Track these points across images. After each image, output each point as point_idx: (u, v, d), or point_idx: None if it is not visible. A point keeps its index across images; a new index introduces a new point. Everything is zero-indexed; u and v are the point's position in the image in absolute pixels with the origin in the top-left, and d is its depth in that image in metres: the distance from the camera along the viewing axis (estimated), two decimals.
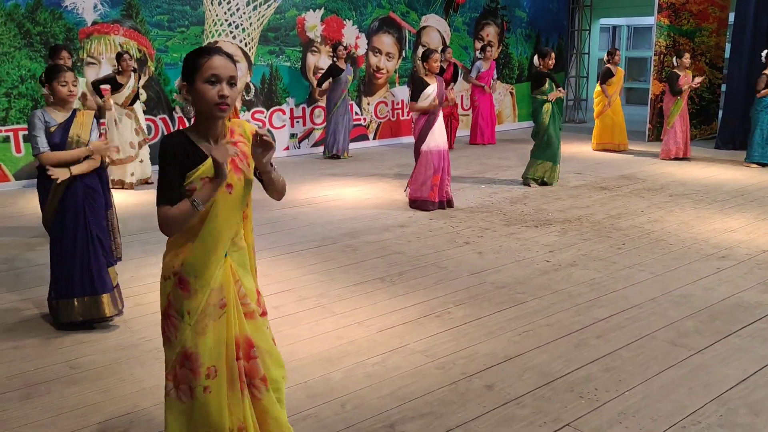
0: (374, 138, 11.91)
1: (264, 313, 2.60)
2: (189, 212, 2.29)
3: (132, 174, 8.36)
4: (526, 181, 8.39)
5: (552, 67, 8.12)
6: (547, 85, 8.04)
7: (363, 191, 8.22)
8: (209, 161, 2.31)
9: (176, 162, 2.31)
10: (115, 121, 8.17)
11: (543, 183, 8.33)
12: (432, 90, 6.91)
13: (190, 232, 2.38)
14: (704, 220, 6.71)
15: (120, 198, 7.78)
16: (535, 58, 8.17)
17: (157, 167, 2.60)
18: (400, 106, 12.11)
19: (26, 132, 8.49)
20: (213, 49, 2.32)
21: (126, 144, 8.20)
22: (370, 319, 4.36)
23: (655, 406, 3.27)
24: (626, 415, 3.19)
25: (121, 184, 8.29)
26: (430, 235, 6.25)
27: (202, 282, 2.40)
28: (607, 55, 10.74)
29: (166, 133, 9.67)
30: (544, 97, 8.05)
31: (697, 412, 3.21)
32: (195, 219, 2.34)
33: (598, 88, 10.81)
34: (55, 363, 3.79)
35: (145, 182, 8.59)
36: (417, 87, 6.96)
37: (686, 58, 9.77)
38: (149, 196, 8.01)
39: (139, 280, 5.07)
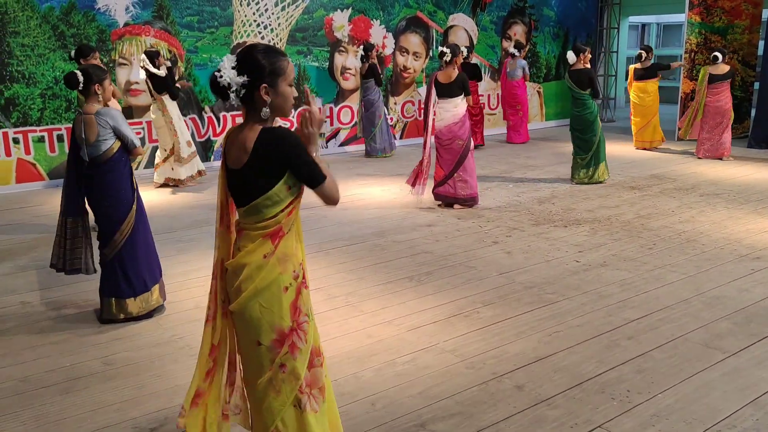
0: (401, 137, 11.91)
1: None
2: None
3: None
4: (599, 182, 8.41)
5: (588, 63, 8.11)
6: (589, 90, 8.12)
7: (390, 190, 8.23)
8: None
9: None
10: (179, 116, 8.27)
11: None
12: None
13: (297, 232, 2.48)
14: (737, 220, 6.60)
15: (148, 197, 7.89)
16: (570, 54, 8.06)
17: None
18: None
19: (60, 131, 8.70)
20: (284, 52, 2.40)
21: (185, 143, 8.29)
22: (400, 318, 4.38)
23: (689, 409, 3.23)
24: (659, 417, 3.16)
25: (195, 176, 8.48)
26: (458, 235, 6.25)
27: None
28: (648, 52, 10.64)
29: (196, 133, 9.79)
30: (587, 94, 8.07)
31: (732, 415, 3.17)
32: (294, 216, 2.44)
33: (655, 85, 10.62)
34: (92, 359, 3.87)
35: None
36: (468, 82, 7.11)
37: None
38: (178, 196, 8.11)
39: (170, 278, 5.12)
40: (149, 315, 4.44)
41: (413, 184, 7.16)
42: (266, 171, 2.30)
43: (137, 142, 4.27)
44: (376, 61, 10.12)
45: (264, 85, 2.30)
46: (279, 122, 2.51)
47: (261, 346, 2.38)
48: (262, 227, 2.36)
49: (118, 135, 4.19)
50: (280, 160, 2.29)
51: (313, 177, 2.33)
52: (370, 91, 10.28)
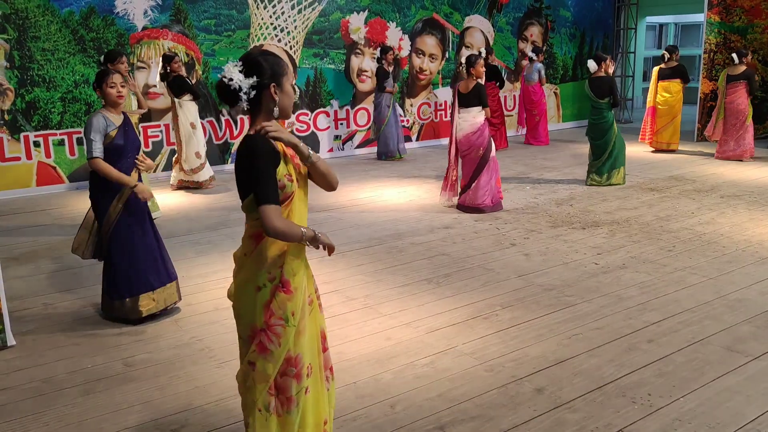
0: (417, 139, 11.90)
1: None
2: (294, 234, 2.34)
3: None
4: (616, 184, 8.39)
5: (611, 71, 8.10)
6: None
7: (407, 193, 8.22)
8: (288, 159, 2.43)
9: (269, 160, 2.33)
10: (192, 124, 8.26)
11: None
12: None
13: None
14: (759, 222, 6.52)
15: (167, 199, 7.95)
16: (591, 63, 8.07)
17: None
18: (443, 107, 12.07)
19: (80, 135, 8.79)
20: (278, 55, 2.50)
21: (192, 154, 8.34)
22: (418, 320, 4.37)
23: (712, 414, 3.19)
24: (682, 422, 3.13)
25: (198, 185, 8.49)
26: (476, 237, 6.23)
27: (298, 279, 2.46)
28: (672, 53, 10.60)
29: (213, 136, 9.85)
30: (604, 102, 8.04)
31: (756, 420, 3.13)
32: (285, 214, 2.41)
33: (678, 86, 10.57)
34: (112, 360, 3.91)
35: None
36: (485, 94, 7.11)
37: (750, 56, 9.68)
38: (195, 198, 8.16)
39: (189, 281, 5.16)
40: (139, 321, 4.40)
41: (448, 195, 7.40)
42: (241, 178, 2.38)
43: (95, 154, 4.12)
44: (387, 64, 10.23)
45: (273, 84, 2.40)
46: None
47: (241, 339, 2.51)
48: (250, 226, 2.45)
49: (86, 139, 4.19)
50: (245, 171, 2.35)
51: (259, 195, 2.30)
52: (376, 95, 10.46)
